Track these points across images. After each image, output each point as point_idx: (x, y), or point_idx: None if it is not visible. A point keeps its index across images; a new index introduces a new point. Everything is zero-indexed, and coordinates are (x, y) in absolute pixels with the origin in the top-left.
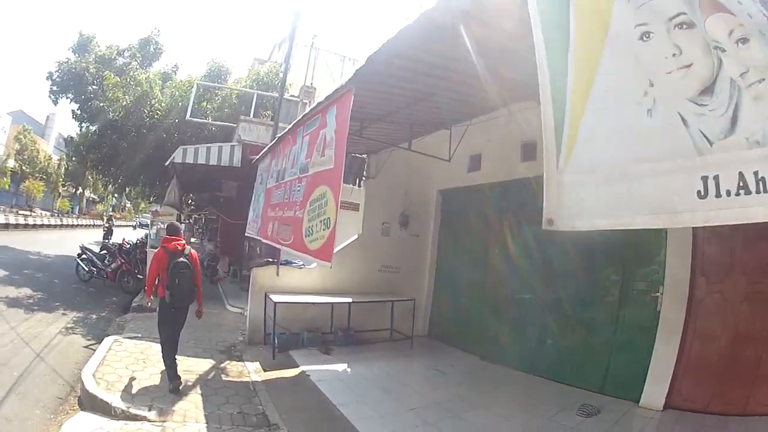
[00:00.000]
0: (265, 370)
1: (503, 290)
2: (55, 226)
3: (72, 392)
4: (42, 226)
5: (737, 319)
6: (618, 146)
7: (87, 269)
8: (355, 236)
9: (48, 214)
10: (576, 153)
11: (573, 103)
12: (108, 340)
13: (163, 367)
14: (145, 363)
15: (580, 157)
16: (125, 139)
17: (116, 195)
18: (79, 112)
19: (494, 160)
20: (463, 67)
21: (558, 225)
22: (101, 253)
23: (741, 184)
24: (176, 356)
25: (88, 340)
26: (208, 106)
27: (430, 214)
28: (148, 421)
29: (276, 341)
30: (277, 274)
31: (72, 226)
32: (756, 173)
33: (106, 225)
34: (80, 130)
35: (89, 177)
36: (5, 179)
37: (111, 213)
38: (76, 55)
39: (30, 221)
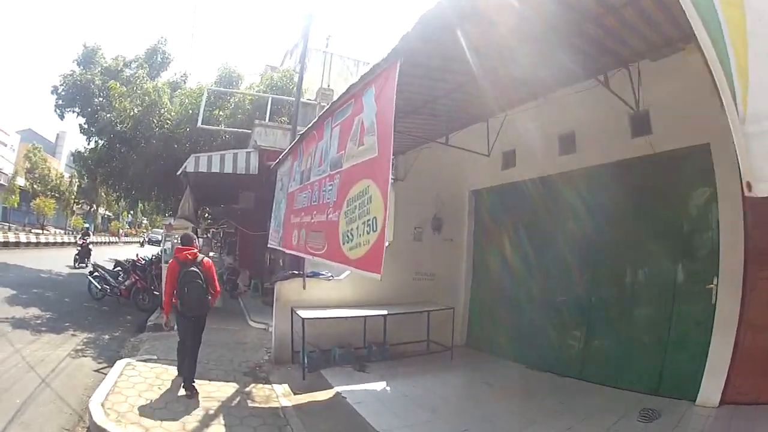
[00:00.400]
0: (295, 393)
1: (545, 293)
2: (69, 243)
3: (80, 422)
4: (55, 244)
5: None
6: None
7: (99, 287)
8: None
9: (61, 231)
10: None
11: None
12: (120, 364)
13: (181, 393)
14: (160, 389)
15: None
16: (134, 150)
17: (131, 211)
18: (86, 126)
19: (530, 155)
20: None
21: (756, 190)
22: (115, 270)
23: None
24: (195, 377)
25: (99, 363)
26: (221, 113)
27: (464, 217)
28: None
29: (305, 360)
30: (304, 287)
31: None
32: None
33: (80, 242)
34: (88, 144)
35: (102, 194)
36: (14, 197)
37: (86, 226)
38: (81, 67)
39: (42, 239)
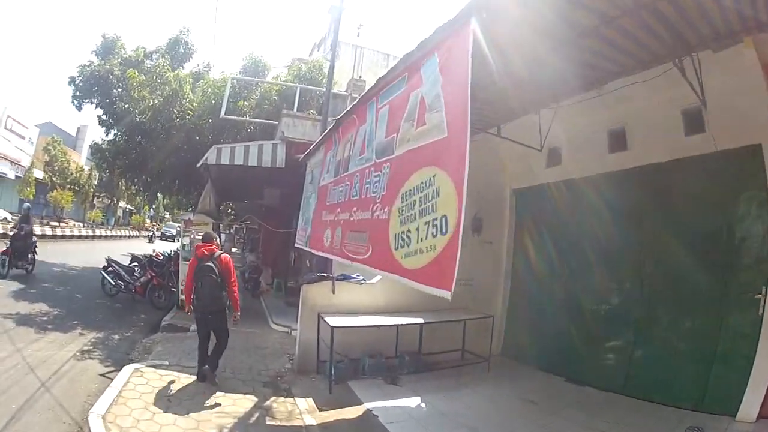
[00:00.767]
0: (320, 409)
1: (588, 302)
2: (87, 237)
3: None
4: (72, 237)
5: None
6: None
7: (113, 283)
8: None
9: (80, 225)
10: None
11: None
12: (126, 370)
13: (191, 408)
14: (169, 401)
15: None
16: (154, 142)
17: (153, 206)
18: (105, 117)
19: (577, 152)
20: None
21: None
22: (131, 265)
23: None
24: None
25: (106, 366)
26: (246, 103)
27: (504, 218)
28: None
29: (333, 372)
30: (333, 292)
31: (105, 237)
32: None
33: (14, 232)
34: (106, 136)
35: (122, 187)
36: (29, 189)
37: (26, 206)
38: (100, 58)
39: (59, 232)
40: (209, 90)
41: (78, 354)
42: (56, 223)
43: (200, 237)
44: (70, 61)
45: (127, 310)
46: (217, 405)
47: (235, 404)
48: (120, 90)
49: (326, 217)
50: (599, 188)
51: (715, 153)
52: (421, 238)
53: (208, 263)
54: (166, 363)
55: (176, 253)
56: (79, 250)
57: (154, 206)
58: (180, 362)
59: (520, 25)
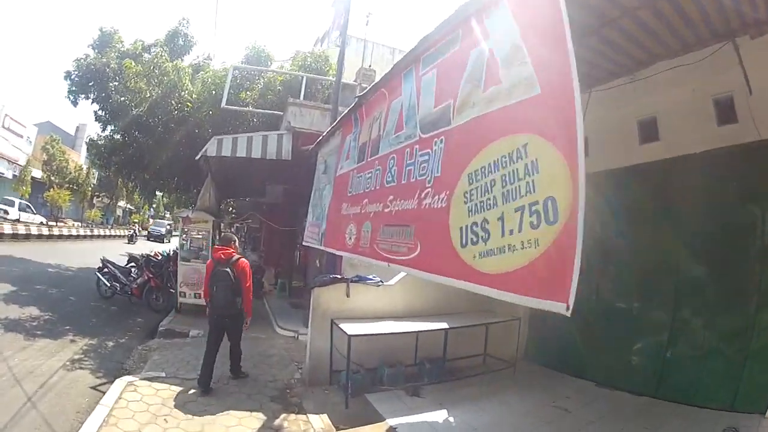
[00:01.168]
0: (338, 429)
1: (618, 300)
2: (85, 236)
3: None
4: (69, 236)
5: None
6: None
7: (108, 285)
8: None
9: (78, 224)
10: None
11: None
12: (119, 385)
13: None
14: (166, 422)
15: None
16: (151, 136)
17: (153, 205)
18: (101, 113)
19: (606, 142)
20: None
21: None
22: (127, 266)
23: None
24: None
25: (98, 377)
26: (248, 94)
27: None
28: None
29: (349, 384)
30: (347, 295)
31: (103, 236)
32: None
33: None
34: (102, 132)
35: (121, 186)
36: (24, 188)
37: None
38: (96, 51)
39: (56, 232)
40: (209, 80)
41: (68, 363)
42: (53, 223)
43: (200, 236)
44: (68, 60)
45: (123, 314)
46: (220, 425)
47: (241, 424)
48: (116, 83)
49: (348, 211)
50: (627, 181)
51: (743, 144)
52: (511, 231)
53: (225, 268)
54: (163, 374)
55: (175, 253)
56: (75, 250)
57: (154, 205)
58: (178, 373)
59: None
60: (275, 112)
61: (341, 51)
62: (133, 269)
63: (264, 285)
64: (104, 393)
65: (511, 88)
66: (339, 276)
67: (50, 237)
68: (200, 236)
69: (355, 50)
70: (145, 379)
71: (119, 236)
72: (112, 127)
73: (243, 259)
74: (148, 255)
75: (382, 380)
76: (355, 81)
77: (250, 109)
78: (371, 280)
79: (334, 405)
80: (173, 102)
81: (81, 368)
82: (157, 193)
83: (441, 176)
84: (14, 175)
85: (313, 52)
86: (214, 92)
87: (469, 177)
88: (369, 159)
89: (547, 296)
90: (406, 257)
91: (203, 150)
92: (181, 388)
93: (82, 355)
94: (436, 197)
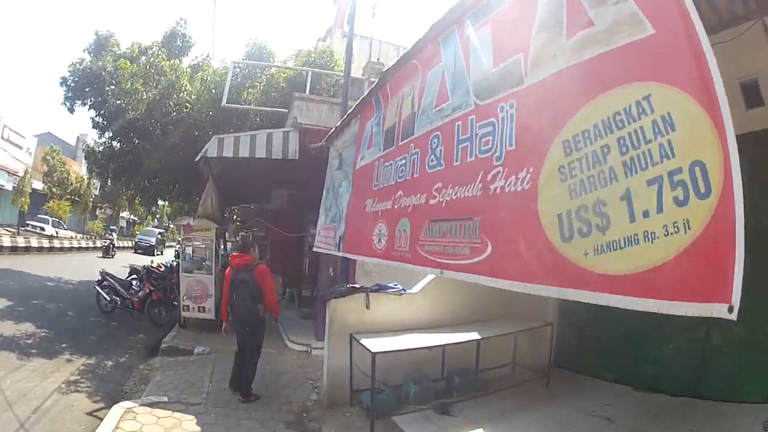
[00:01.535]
0: None
1: None
2: (86, 249)
3: None
4: (70, 249)
5: None
6: None
7: (108, 299)
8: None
9: (80, 236)
10: None
11: None
12: (116, 412)
13: None
14: None
15: None
16: (149, 140)
17: (157, 216)
18: (98, 119)
19: None
20: None
21: None
22: (128, 279)
23: None
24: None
25: (95, 401)
26: (250, 92)
27: None
28: None
29: (373, 406)
30: (368, 307)
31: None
32: None
33: None
34: (100, 139)
35: (123, 197)
36: (23, 200)
37: None
38: (92, 56)
39: (56, 244)
40: (209, 78)
41: (63, 386)
42: (53, 235)
43: (203, 246)
44: (66, 67)
45: (124, 330)
46: None
47: None
48: (113, 87)
49: (374, 207)
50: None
51: None
52: (645, 212)
53: (243, 275)
54: (165, 399)
55: (177, 264)
56: (76, 263)
57: (158, 216)
58: (181, 397)
59: None
60: (279, 109)
61: (349, 40)
62: (134, 282)
63: None
64: (101, 419)
65: (611, 30)
66: (357, 285)
67: (51, 249)
68: (203, 245)
69: (359, 48)
70: (145, 404)
71: (127, 247)
72: (110, 134)
73: (262, 264)
74: (149, 266)
75: (408, 398)
76: (363, 75)
77: (253, 107)
78: (393, 288)
79: (356, 429)
80: (171, 103)
81: (77, 391)
82: (159, 201)
83: (516, 150)
84: (14, 187)
85: (317, 48)
86: (213, 91)
87: (564, 145)
88: (401, 143)
89: (702, 297)
90: (469, 261)
91: (203, 150)
92: (185, 415)
93: (79, 377)
94: (513, 178)
